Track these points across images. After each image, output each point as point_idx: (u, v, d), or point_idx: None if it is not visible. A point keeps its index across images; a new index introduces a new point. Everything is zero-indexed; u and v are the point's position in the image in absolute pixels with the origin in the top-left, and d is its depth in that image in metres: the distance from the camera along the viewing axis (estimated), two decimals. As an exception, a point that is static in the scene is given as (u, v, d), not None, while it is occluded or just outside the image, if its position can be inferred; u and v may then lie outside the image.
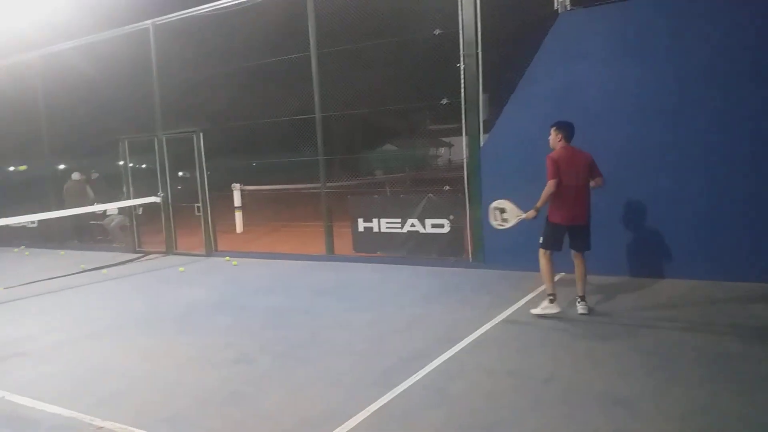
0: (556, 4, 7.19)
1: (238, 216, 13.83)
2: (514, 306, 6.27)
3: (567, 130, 5.72)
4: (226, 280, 8.72)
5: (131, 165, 11.97)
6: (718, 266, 6.63)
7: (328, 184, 9.66)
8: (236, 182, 13.69)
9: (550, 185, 5.60)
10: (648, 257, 7.10)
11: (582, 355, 4.79)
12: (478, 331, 5.50)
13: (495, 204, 5.97)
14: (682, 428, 3.49)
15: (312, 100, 9.47)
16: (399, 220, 8.76)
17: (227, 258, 10.42)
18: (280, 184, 14.87)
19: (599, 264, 7.12)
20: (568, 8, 7.17)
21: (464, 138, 8.01)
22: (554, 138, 5.80)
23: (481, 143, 7.94)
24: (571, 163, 5.63)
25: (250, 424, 3.86)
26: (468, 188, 8.07)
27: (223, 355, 5.26)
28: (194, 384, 4.63)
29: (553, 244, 5.80)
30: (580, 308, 5.85)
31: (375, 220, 9.02)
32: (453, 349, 5.05)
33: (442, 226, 8.41)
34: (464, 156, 8.08)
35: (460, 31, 7.81)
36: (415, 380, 4.41)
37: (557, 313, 5.72)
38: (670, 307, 5.98)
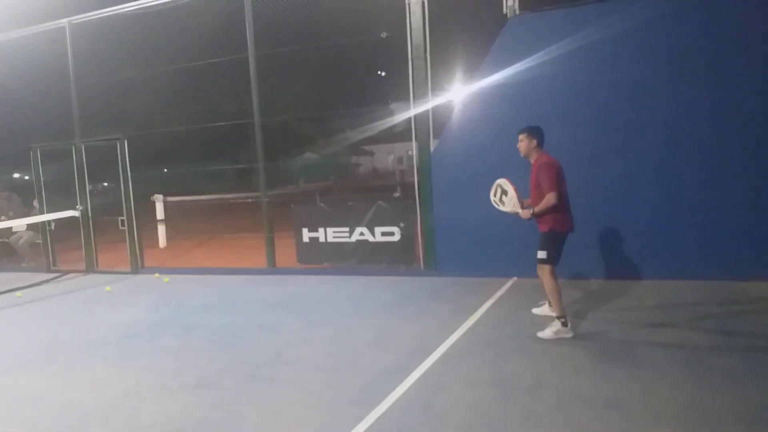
0: (504, 8, 7.25)
1: (161, 229, 13.06)
2: (476, 313, 6.19)
3: (541, 134, 5.46)
4: (161, 298, 8.09)
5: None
6: (670, 265, 6.87)
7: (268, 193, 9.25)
8: (158, 193, 12.96)
9: (551, 198, 5.16)
10: (607, 259, 7.25)
11: (559, 360, 4.75)
12: (447, 341, 5.35)
13: (501, 182, 5.58)
14: (676, 427, 3.48)
15: (249, 104, 9.06)
16: (347, 229, 8.50)
17: (156, 275, 9.72)
18: (199, 194, 14.19)
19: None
20: (517, 12, 7.25)
21: (414, 143, 7.90)
22: (528, 144, 5.45)
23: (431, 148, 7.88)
24: (560, 167, 5.35)
25: (231, 456, 3.49)
26: (419, 194, 7.96)
27: (179, 381, 4.79)
28: (155, 414, 4.16)
29: (559, 258, 5.38)
30: (538, 310, 6.01)
31: (321, 230, 8.70)
32: (428, 361, 4.86)
33: (392, 233, 8.23)
34: (414, 162, 7.98)
35: (408, 35, 7.72)
36: (396, 396, 4.18)
37: (572, 337, 5.22)
38: (632, 308, 6.08)
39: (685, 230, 6.83)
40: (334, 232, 8.60)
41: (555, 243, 5.34)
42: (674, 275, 6.84)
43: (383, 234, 8.28)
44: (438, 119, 7.92)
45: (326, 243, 8.68)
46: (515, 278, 7.51)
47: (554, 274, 5.32)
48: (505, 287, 7.19)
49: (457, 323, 5.85)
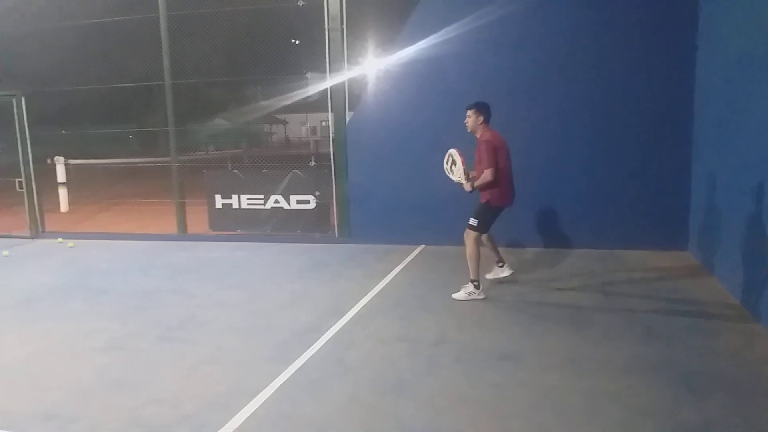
0: (420, -17, 7.46)
1: (63, 193, 12.43)
2: (387, 277, 6.49)
3: (488, 111, 5.59)
4: (66, 263, 7.81)
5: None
6: (569, 236, 7.51)
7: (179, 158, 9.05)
8: (59, 155, 12.29)
9: (488, 174, 5.39)
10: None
11: (462, 318, 5.14)
12: (359, 302, 5.62)
13: (452, 152, 5.72)
14: (561, 375, 3.93)
15: (158, 65, 8.78)
16: (262, 196, 8.52)
17: (60, 240, 9.33)
18: (103, 158, 13.57)
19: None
20: (432, -12, 7.49)
21: (330, 114, 8.02)
22: (475, 120, 5.57)
23: (347, 120, 8.04)
24: (501, 143, 5.54)
25: (146, 412, 3.55)
26: (334, 164, 8.12)
27: (89, 343, 4.75)
28: (64, 375, 4.13)
29: (488, 227, 5.69)
30: (507, 271, 6.13)
31: (234, 197, 8.66)
32: (341, 321, 5.11)
33: (307, 202, 8.35)
34: (330, 132, 8.11)
35: (326, 4, 7.76)
36: (312, 353, 4.40)
37: (484, 299, 5.61)
38: (522, 271, 6.60)
39: (580, 204, 7.45)
40: (248, 199, 8.59)
41: (487, 214, 5.62)
42: (573, 245, 7.51)
43: (299, 202, 8.38)
44: (353, 91, 8.06)
45: (240, 210, 8.66)
46: (423, 245, 7.89)
47: (478, 241, 5.62)
48: (414, 254, 7.56)
49: (368, 287, 6.12)
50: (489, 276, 6.17)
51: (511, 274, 6.16)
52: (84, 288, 6.46)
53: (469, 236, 5.63)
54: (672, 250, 7.22)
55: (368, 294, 5.88)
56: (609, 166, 7.31)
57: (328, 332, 4.83)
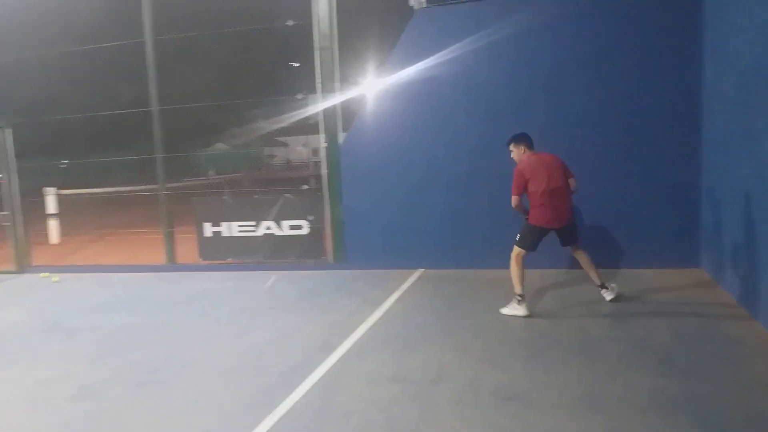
0: (411, 1, 7.17)
1: (53, 224, 12.16)
2: (382, 307, 6.12)
3: (526, 140, 5.64)
4: (48, 299, 7.47)
5: None
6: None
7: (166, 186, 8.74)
8: (49, 186, 12.04)
9: (512, 200, 5.55)
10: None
11: (463, 351, 4.75)
12: (352, 336, 5.24)
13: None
14: (573, 416, 3.53)
15: (146, 92, 8.53)
16: (253, 223, 8.18)
17: (45, 274, 9.00)
18: (95, 187, 13.32)
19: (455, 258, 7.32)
20: (424, 6, 7.20)
21: (322, 135, 7.71)
22: (517, 153, 5.68)
23: (340, 141, 7.72)
24: (538, 167, 5.48)
25: (109, 473, 3.19)
26: (328, 187, 7.79)
27: (59, 391, 4.38)
28: (27, 430, 3.77)
29: (529, 245, 5.60)
30: (608, 295, 5.80)
31: (224, 224, 8.32)
32: (331, 358, 4.73)
33: (300, 227, 8.00)
34: (323, 154, 7.79)
35: (316, 24, 7.50)
36: (297, 397, 4.02)
37: (526, 315, 5.46)
38: (529, 296, 6.17)
39: (587, 222, 7.08)
40: (239, 226, 8.25)
41: (528, 232, 5.62)
42: (581, 266, 7.04)
43: (291, 227, 8.04)
44: (347, 112, 7.77)
45: (231, 237, 8.32)
46: (422, 269, 7.52)
47: (520, 258, 5.59)
48: (412, 279, 7.18)
49: (362, 317, 5.75)
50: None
51: (615, 297, 5.79)
52: (62, 327, 6.09)
53: (513, 252, 5.64)
54: (684, 268, 6.83)
55: (362, 326, 5.50)
56: (615, 182, 6.95)
57: (315, 372, 4.44)
